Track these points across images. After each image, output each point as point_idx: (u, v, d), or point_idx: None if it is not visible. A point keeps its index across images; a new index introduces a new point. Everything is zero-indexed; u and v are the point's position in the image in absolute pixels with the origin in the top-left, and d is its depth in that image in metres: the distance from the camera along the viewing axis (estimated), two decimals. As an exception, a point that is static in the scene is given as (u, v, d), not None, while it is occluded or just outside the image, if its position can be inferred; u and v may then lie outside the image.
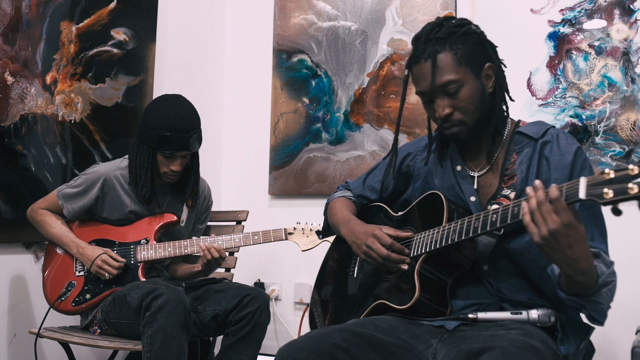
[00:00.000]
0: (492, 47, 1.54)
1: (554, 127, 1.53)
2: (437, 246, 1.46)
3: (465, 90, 1.46)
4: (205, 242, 2.28)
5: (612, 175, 1.08)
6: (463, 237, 1.40)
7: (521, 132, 1.53)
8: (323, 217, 1.92)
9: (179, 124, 2.20)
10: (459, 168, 1.59)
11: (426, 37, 1.49)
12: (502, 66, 1.56)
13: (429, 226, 1.52)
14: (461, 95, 1.46)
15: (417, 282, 1.48)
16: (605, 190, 1.07)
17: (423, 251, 1.50)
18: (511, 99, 1.57)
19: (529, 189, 1.22)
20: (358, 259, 1.75)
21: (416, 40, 1.52)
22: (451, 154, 1.63)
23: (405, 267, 1.53)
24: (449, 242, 1.43)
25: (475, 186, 1.55)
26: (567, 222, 1.16)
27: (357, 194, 1.85)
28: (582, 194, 1.12)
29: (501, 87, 1.54)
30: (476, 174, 1.57)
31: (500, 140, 1.55)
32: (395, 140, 1.69)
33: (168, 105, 2.23)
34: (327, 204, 1.90)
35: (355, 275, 1.74)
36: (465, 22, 1.51)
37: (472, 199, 1.54)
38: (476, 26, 1.53)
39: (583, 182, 1.13)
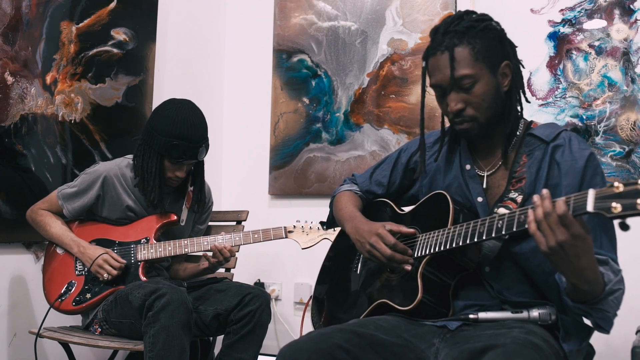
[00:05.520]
0: (511, 46, 1.52)
1: (566, 130, 1.50)
2: (441, 248, 1.45)
3: (479, 86, 1.44)
4: (215, 241, 2.28)
5: (621, 189, 1.06)
6: (468, 242, 1.39)
7: (533, 134, 1.51)
8: (327, 212, 1.91)
9: (190, 134, 2.20)
10: (467, 167, 1.57)
11: (445, 29, 1.46)
12: (521, 66, 1.53)
13: (434, 226, 1.51)
14: (475, 91, 1.44)
15: (420, 283, 1.47)
16: (614, 204, 1.05)
17: (427, 252, 1.49)
18: (527, 100, 1.55)
19: (535, 197, 1.20)
20: (362, 255, 1.73)
21: (435, 31, 1.50)
22: (461, 151, 1.61)
23: (409, 267, 1.51)
24: (453, 245, 1.42)
25: (484, 186, 1.54)
26: (576, 233, 1.15)
27: (364, 189, 1.83)
28: (589, 207, 1.10)
29: (517, 86, 1.51)
30: (485, 174, 1.55)
31: (513, 141, 1.52)
32: (422, 134, 1.63)
33: (180, 112, 2.22)
34: (333, 197, 1.89)
35: (358, 272, 1.73)
36: (486, 18, 1.49)
37: (480, 199, 1.53)
38: (497, 23, 1.51)
39: (591, 194, 1.11)
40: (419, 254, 1.51)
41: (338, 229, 1.90)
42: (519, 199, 1.46)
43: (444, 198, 1.53)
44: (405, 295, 1.50)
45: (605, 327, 1.31)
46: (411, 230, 1.56)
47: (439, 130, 1.67)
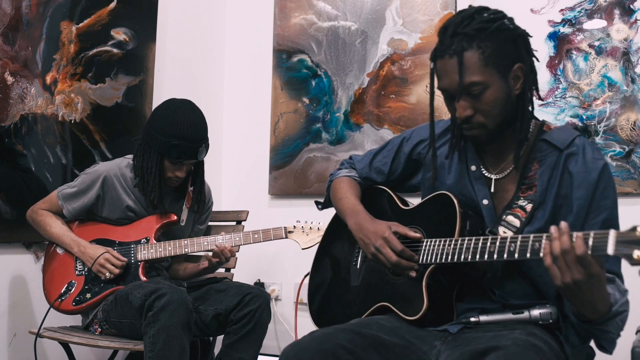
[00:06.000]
0: (526, 44, 1.42)
1: (580, 135, 1.44)
2: (449, 260, 1.40)
3: (489, 93, 1.37)
4: (215, 241, 2.28)
5: None
6: (477, 259, 1.34)
7: (546, 139, 1.45)
8: (327, 212, 1.87)
9: (190, 134, 2.20)
10: (473, 168, 1.53)
11: (454, 31, 1.37)
12: (535, 59, 1.44)
13: (439, 232, 1.47)
14: (484, 98, 1.37)
15: (425, 294, 1.44)
16: (636, 252, 1.03)
17: (432, 261, 1.44)
18: (539, 98, 1.49)
19: (553, 229, 1.17)
20: (362, 250, 1.67)
21: (443, 31, 1.40)
22: (467, 151, 1.55)
23: (414, 274, 1.47)
24: (461, 260, 1.37)
25: (492, 189, 1.49)
26: (593, 273, 1.14)
27: (364, 176, 1.77)
28: (610, 250, 1.08)
29: (530, 88, 1.43)
30: (493, 176, 1.50)
31: (525, 145, 1.46)
32: (432, 141, 1.56)
33: (180, 112, 2.22)
34: (330, 181, 1.83)
35: (358, 267, 1.68)
36: (499, 17, 1.38)
37: (485, 202, 1.48)
38: (510, 20, 1.41)
39: (612, 237, 1.09)
40: (423, 261, 1.47)
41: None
42: (529, 207, 1.42)
43: (450, 202, 1.48)
44: (409, 304, 1.47)
45: (608, 348, 1.31)
46: (417, 235, 1.51)
47: (444, 120, 1.62)
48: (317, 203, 1.95)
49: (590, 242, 1.12)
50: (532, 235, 1.25)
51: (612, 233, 1.09)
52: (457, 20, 1.38)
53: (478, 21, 1.36)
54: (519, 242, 1.26)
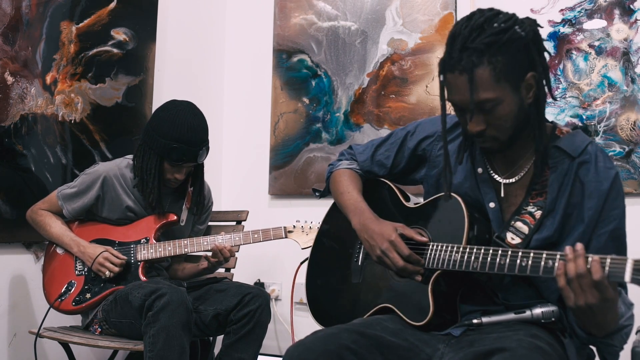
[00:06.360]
0: (537, 45, 1.36)
1: (592, 141, 1.43)
2: (456, 268, 1.39)
3: (502, 108, 1.33)
4: (215, 241, 2.28)
5: None
6: (486, 270, 1.33)
7: (558, 146, 1.42)
8: (327, 212, 1.84)
9: (190, 137, 2.19)
10: (479, 170, 1.50)
11: (462, 44, 1.31)
12: (548, 53, 1.40)
13: (445, 236, 1.46)
14: (497, 113, 1.34)
15: (432, 300, 1.43)
16: None
17: (439, 267, 1.43)
18: (554, 98, 1.48)
19: (568, 250, 1.17)
20: (363, 246, 1.62)
21: (451, 42, 1.34)
22: (475, 152, 1.52)
23: (420, 278, 1.45)
24: (469, 269, 1.35)
25: (502, 194, 1.47)
26: (608, 297, 1.14)
27: (365, 169, 1.74)
28: (627, 278, 1.09)
29: (543, 96, 1.39)
30: (503, 181, 1.48)
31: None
32: (446, 150, 1.48)
33: (181, 114, 2.21)
34: (330, 172, 1.79)
35: (360, 264, 1.65)
36: (509, 26, 1.31)
37: (492, 205, 1.47)
38: (521, 25, 1.34)
39: (629, 264, 1.09)
40: (429, 266, 1.45)
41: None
42: (537, 214, 1.41)
43: (458, 205, 1.46)
44: (414, 309, 1.46)
45: None
46: (424, 239, 1.49)
47: (450, 115, 1.57)
48: (314, 191, 1.91)
49: (607, 268, 1.12)
50: (545, 253, 1.24)
51: (629, 261, 1.09)
52: (465, 33, 1.32)
53: (488, 33, 1.30)
54: (531, 259, 1.25)
